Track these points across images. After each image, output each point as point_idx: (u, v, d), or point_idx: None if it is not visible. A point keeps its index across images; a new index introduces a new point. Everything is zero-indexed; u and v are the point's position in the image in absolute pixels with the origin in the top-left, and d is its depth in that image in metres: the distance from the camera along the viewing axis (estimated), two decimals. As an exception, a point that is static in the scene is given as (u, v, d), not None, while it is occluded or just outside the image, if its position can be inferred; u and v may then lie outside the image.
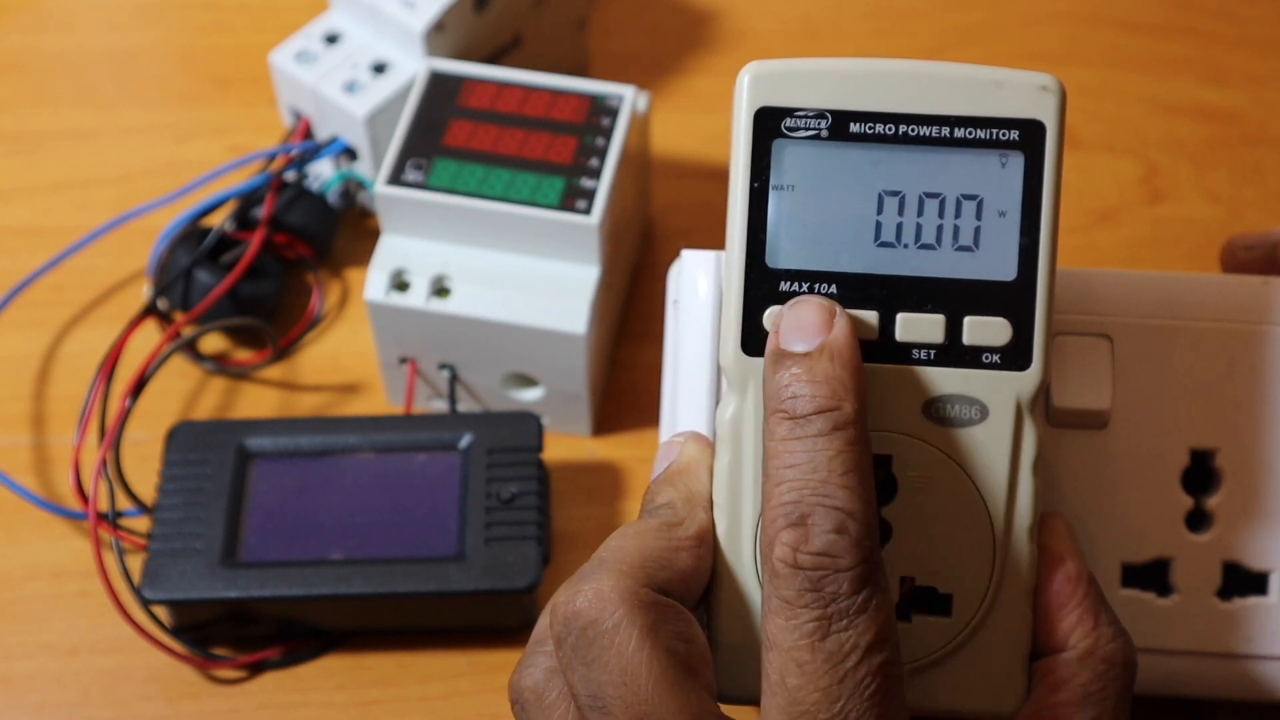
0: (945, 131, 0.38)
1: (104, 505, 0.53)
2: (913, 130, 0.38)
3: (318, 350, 0.61)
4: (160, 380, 0.59)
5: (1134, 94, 0.71)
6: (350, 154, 0.62)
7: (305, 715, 0.51)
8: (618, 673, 0.35)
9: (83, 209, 0.66)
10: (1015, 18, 0.74)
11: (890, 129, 0.38)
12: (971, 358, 0.38)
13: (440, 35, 0.60)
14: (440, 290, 0.55)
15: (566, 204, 0.53)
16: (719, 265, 0.42)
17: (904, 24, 0.74)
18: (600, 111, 0.56)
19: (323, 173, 0.63)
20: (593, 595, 0.35)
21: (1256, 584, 0.43)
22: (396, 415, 0.56)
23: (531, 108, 0.56)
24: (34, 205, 0.66)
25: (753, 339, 0.38)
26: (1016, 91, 0.38)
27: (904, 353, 0.38)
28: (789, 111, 0.38)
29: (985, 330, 0.38)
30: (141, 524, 0.53)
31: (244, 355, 0.61)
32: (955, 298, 0.38)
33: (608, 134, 0.55)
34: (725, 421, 0.38)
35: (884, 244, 0.38)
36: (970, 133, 0.38)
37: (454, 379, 0.57)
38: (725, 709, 0.36)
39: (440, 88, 0.57)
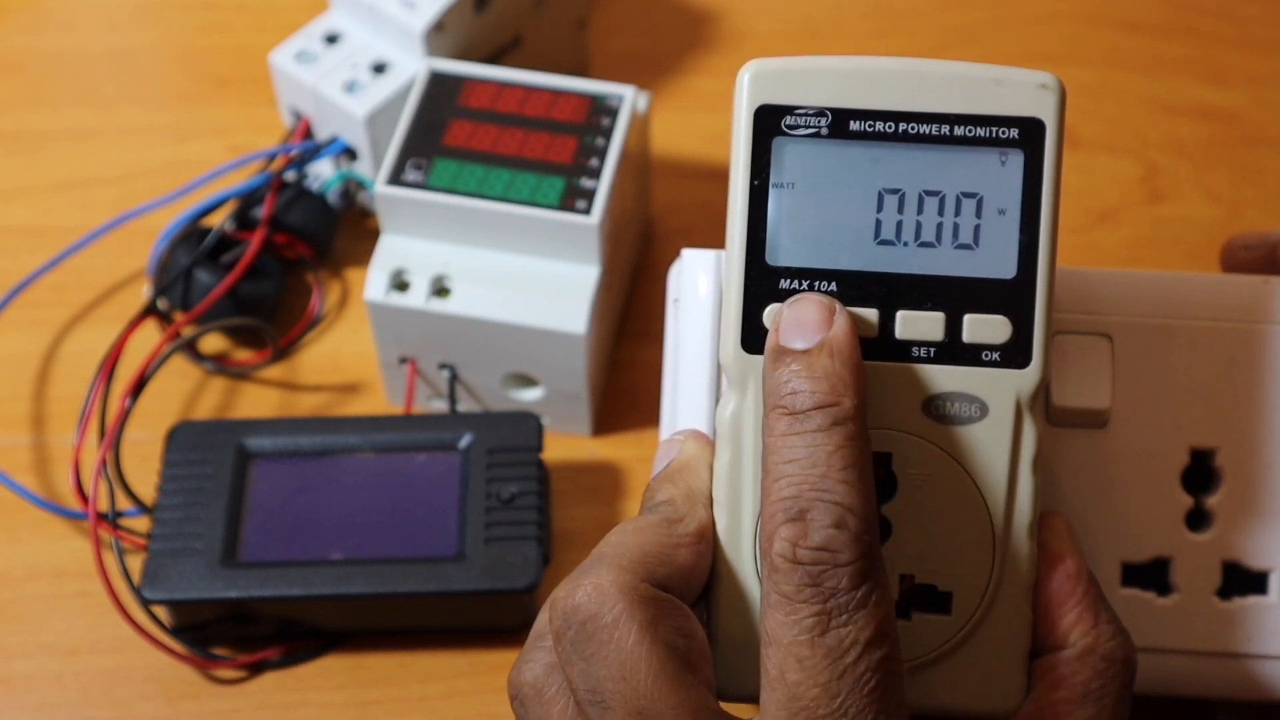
0: (945, 129, 0.38)
1: (104, 505, 0.53)
2: (912, 128, 0.38)
3: (318, 350, 0.61)
4: (160, 380, 0.59)
5: (1134, 94, 0.71)
6: (350, 154, 0.62)
7: (305, 715, 0.51)
8: (617, 667, 0.35)
9: (83, 209, 0.66)
10: (1015, 18, 0.74)
11: (890, 127, 0.38)
12: (971, 355, 0.38)
13: (440, 35, 0.60)
14: (440, 290, 0.55)
15: (566, 204, 0.53)
16: (719, 264, 0.42)
17: (904, 24, 0.74)
18: (600, 111, 0.56)
19: (323, 173, 0.63)
20: (592, 590, 0.35)
21: (1256, 583, 0.43)
22: (396, 415, 0.56)
23: (531, 108, 0.56)
24: (34, 205, 0.66)
25: (753, 337, 0.38)
26: (1016, 90, 0.38)
27: (904, 350, 0.38)
28: (789, 109, 0.38)
29: (985, 328, 0.38)
30: (141, 524, 0.53)
31: (244, 355, 0.61)
32: (955, 295, 0.38)
33: (608, 134, 0.55)
34: (725, 419, 0.38)
35: (884, 242, 0.38)
36: (970, 131, 0.38)
37: (454, 379, 0.57)
38: (725, 705, 0.36)
39: (440, 88, 0.57)
